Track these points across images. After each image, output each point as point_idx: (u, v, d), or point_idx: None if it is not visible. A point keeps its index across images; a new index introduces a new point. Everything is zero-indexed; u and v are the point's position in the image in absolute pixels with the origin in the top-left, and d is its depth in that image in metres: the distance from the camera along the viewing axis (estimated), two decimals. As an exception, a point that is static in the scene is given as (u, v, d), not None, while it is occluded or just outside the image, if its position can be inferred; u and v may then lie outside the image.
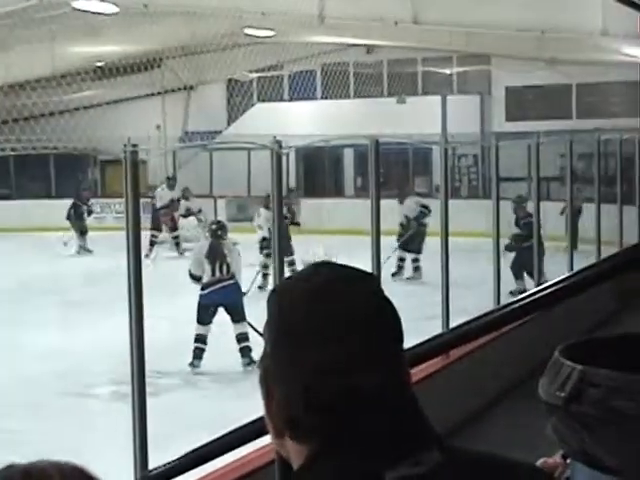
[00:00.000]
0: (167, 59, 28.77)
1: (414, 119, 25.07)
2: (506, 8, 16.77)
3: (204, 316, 11.49)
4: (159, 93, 31.19)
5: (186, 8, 17.95)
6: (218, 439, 2.90)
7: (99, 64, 26.27)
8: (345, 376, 1.34)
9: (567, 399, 1.62)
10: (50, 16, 20.26)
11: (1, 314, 13.05)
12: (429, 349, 2.80)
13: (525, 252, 13.11)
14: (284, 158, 5.87)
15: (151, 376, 5.75)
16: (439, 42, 22.75)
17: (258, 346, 9.62)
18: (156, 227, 22.77)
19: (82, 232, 23.79)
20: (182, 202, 24.08)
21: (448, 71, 29.34)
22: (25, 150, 25.72)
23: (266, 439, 1.93)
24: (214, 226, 12.72)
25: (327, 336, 1.35)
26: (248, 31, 21.45)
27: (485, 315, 2.88)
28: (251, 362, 10.86)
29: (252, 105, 31.00)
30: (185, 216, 24.05)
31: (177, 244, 23.21)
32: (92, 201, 25.66)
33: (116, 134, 22.41)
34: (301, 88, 29.95)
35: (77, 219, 24.15)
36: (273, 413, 1.40)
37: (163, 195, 23.86)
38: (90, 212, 24.84)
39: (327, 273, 1.44)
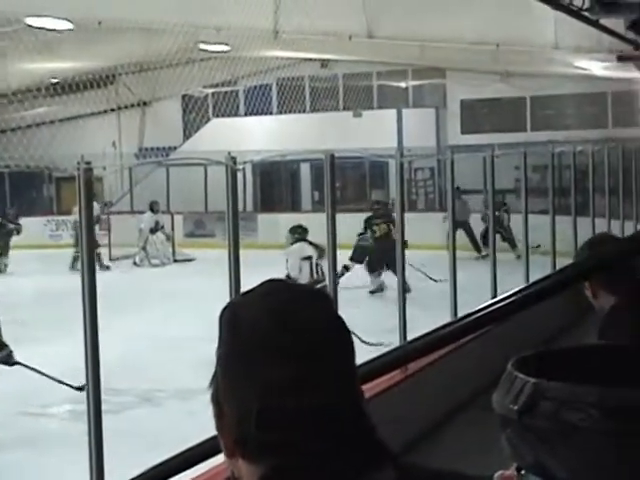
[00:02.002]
0: (122, 75, 28.66)
1: (370, 133, 25.17)
2: (460, 22, 16.88)
3: None
4: (114, 109, 31.08)
5: (140, 24, 17.88)
6: (173, 458, 2.88)
7: (53, 81, 26.11)
8: (298, 395, 1.33)
9: (520, 412, 1.62)
10: (3, 32, 20.12)
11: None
12: (385, 363, 2.80)
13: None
14: (240, 173, 5.87)
15: (107, 394, 5.69)
16: (394, 56, 22.87)
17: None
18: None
19: (2, 252, 23.41)
20: (149, 215, 24.00)
21: (403, 85, 29.50)
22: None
23: (220, 457, 1.92)
24: (299, 230, 14.07)
25: (281, 355, 1.34)
26: (203, 46, 21.43)
27: (441, 328, 2.88)
28: None
29: (208, 120, 30.96)
30: (153, 231, 23.97)
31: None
32: (22, 220, 25.10)
33: (71, 151, 22.29)
34: (257, 103, 29.97)
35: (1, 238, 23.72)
36: (225, 432, 1.39)
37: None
38: (18, 231, 24.14)
39: (281, 291, 1.43)
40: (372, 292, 17.22)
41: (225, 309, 1.45)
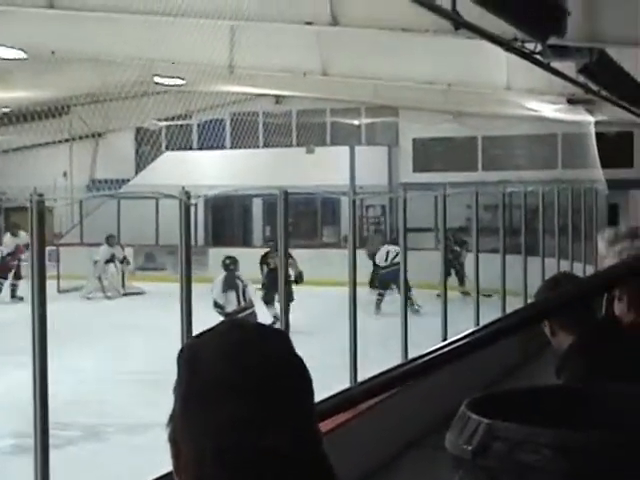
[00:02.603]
0: (75, 106, 28.53)
1: (323, 169, 25.25)
2: (413, 62, 17.01)
3: None
4: (67, 140, 30.90)
5: (95, 55, 17.83)
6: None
7: (5, 110, 25.95)
8: (256, 435, 1.33)
9: (474, 452, 1.63)
10: (-45, 61, 19.97)
11: None
12: (337, 404, 2.79)
13: None
14: (192, 208, 5.86)
15: (53, 427, 5.62)
16: (348, 93, 22.99)
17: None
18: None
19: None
20: (105, 247, 23.99)
21: (356, 122, 29.66)
22: None
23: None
24: (227, 260, 15.11)
25: (239, 394, 1.34)
26: (158, 79, 21.41)
27: (393, 369, 2.88)
28: None
29: (161, 154, 30.88)
30: (108, 262, 23.96)
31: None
32: None
33: (22, 181, 22.11)
34: (210, 137, 29.95)
35: None
36: (182, 471, 1.38)
37: (8, 242, 23.96)
38: None
39: (238, 331, 1.43)
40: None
41: (183, 349, 1.44)
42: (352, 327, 8.57)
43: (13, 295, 22.99)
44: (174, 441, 1.39)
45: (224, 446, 1.33)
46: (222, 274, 14.90)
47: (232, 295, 14.33)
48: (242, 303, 14.25)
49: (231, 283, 14.60)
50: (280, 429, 1.34)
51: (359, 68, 17.83)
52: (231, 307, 14.04)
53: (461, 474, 1.67)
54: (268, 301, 17.78)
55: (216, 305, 14.12)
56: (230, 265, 15.10)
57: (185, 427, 1.37)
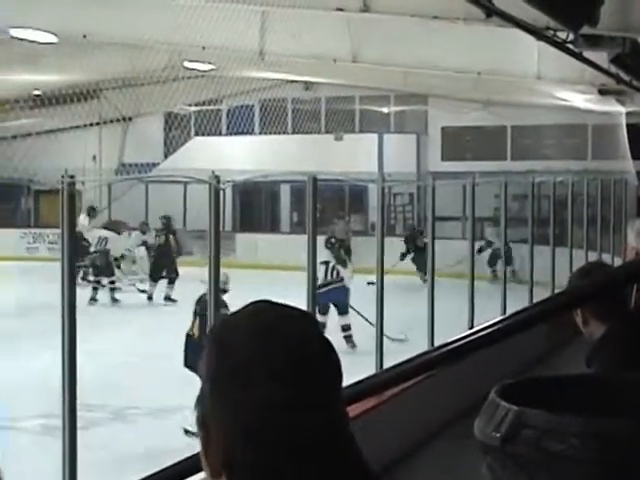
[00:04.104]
0: (105, 90, 28.64)
1: (351, 156, 25.22)
2: (444, 49, 16.96)
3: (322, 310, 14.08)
4: (96, 124, 31.01)
5: (126, 40, 17.89)
6: (149, 477, 2.85)
7: (37, 93, 26.07)
8: (286, 416, 1.33)
9: (503, 439, 1.63)
10: (-14, 43, 20.08)
11: None
12: (363, 389, 2.80)
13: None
14: (221, 193, 5.87)
15: (80, 409, 5.66)
16: (377, 81, 22.96)
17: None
18: None
19: None
20: (138, 234, 23.82)
21: (385, 110, 29.58)
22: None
23: (198, 477, 1.91)
24: (333, 239, 16.71)
25: (266, 377, 1.34)
26: (188, 64, 21.45)
27: (419, 356, 2.88)
28: (354, 345, 14.14)
29: (189, 138, 30.94)
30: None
31: None
32: None
33: (52, 164, 22.22)
34: (239, 123, 29.96)
35: None
36: (211, 454, 1.38)
37: (84, 223, 23.75)
38: None
39: (269, 312, 1.43)
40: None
41: (212, 330, 1.45)
42: (379, 312, 8.57)
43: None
44: (203, 423, 1.39)
45: (255, 427, 1.33)
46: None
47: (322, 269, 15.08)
48: (330, 277, 15.27)
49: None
50: (311, 411, 1.35)
51: (389, 55, 17.80)
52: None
53: (489, 461, 1.67)
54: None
55: None
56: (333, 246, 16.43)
57: (215, 409, 1.37)
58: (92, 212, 24.42)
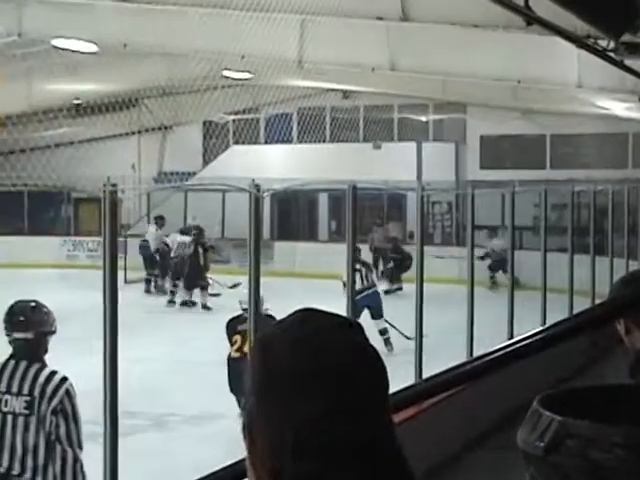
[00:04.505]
0: (145, 99, 28.84)
1: (389, 165, 25.20)
2: (483, 57, 16.91)
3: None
4: (135, 133, 31.22)
5: (165, 49, 18.00)
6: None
7: (77, 102, 26.31)
8: (333, 426, 1.33)
9: (546, 449, 1.62)
10: (28, 52, 20.28)
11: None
12: (402, 399, 2.79)
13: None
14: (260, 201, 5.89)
15: (122, 416, 5.69)
16: (416, 89, 22.92)
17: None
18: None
19: None
20: (178, 236, 23.85)
21: (424, 118, 29.53)
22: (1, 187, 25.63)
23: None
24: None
25: (314, 386, 1.34)
26: (226, 73, 21.54)
27: (460, 366, 2.87)
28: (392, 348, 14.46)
29: (228, 147, 31.05)
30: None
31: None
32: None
33: (92, 172, 22.39)
34: (277, 131, 30.05)
35: None
36: (257, 463, 1.38)
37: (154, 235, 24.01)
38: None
39: (313, 321, 1.42)
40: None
41: (256, 341, 1.45)
42: (418, 322, 8.55)
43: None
44: (249, 432, 1.39)
45: (302, 437, 1.32)
46: None
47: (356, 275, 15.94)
48: (365, 283, 15.69)
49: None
50: (357, 420, 1.34)
51: (428, 64, 17.76)
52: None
53: (532, 471, 1.66)
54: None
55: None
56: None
57: (261, 419, 1.37)
58: (160, 221, 24.57)
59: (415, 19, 11.91)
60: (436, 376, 2.90)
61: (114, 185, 4.56)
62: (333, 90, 26.16)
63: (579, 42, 10.26)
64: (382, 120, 29.41)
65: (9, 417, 5.26)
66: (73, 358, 11.77)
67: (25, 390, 5.27)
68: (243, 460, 1.43)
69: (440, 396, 3.66)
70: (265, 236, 27.66)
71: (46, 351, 5.56)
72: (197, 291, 21.19)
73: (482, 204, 13.37)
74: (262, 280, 5.67)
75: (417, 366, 8.10)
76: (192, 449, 8.94)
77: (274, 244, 26.98)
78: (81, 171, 24.99)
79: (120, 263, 4.95)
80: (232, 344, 9.54)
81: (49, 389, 5.23)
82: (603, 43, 10.64)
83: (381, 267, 24.83)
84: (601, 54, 10.79)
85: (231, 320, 9.70)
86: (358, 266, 15.92)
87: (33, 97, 23.47)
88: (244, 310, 9.42)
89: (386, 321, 15.08)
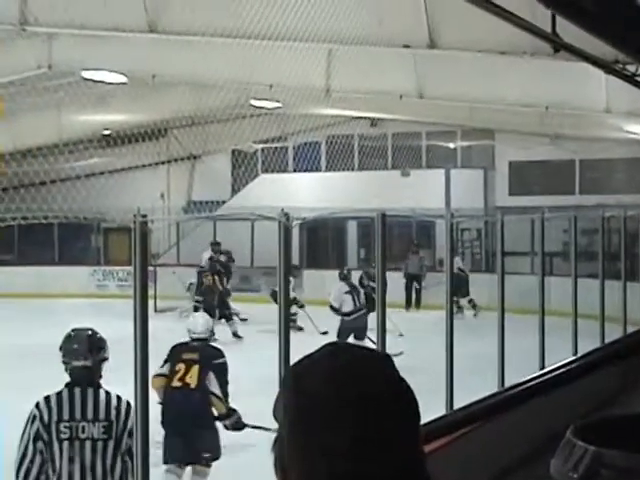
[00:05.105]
0: (173, 129, 29.04)
1: (418, 192, 25.20)
2: (510, 84, 16.91)
3: (343, 337, 15.76)
4: (164, 162, 31.42)
5: (193, 79, 18.12)
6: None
7: (106, 132, 26.51)
8: (365, 456, 1.32)
9: (580, 480, 1.61)
10: (58, 84, 20.48)
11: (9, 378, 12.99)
12: (434, 430, 2.78)
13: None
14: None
15: (152, 445, 5.70)
16: (443, 116, 22.94)
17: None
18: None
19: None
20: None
21: (452, 145, 29.53)
22: (30, 219, 25.79)
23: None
24: (345, 270, 18.43)
25: (347, 416, 1.33)
26: (254, 102, 21.65)
27: (491, 396, 2.86)
28: None
29: (256, 176, 31.15)
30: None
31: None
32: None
33: (121, 202, 22.52)
34: (305, 159, 30.15)
35: None
36: None
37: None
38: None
39: (344, 354, 1.43)
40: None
41: (287, 373, 1.45)
42: (448, 353, 8.52)
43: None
44: (281, 466, 1.39)
45: (335, 467, 1.32)
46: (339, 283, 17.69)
47: (348, 298, 16.88)
48: (357, 305, 16.68)
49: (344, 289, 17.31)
50: (390, 451, 1.34)
51: (455, 91, 17.78)
52: (347, 308, 16.69)
53: (567, 502, 1.64)
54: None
55: (332, 308, 16.96)
56: (347, 275, 18.33)
57: (293, 454, 1.36)
58: (216, 247, 24.52)
59: (442, 46, 11.92)
60: (467, 407, 2.89)
61: (144, 216, 4.59)
62: (361, 118, 26.22)
63: (607, 68, 10.25)
64: (410, 147, 29.44)
65: (87, 443, 5.35)
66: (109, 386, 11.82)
67: (101, 416, 5.37)
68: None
69: (471, 426, 3.64)
70: (294, 263, 27.69)
71: (101, 377, 5.61)
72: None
73: (511, 230, 13.33)
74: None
75: (448, 396, 8.06)
76: (226, 478, 8.92)
77: (303, 272, 26.98)
78: (110, 202, 25.14)
79: (150, 292, 4.98)
80: (174, 373, 8.78)
81: (122, 413, 5.34)
82: (632, 68, 10.62)
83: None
84: (629, 79, 10.77)
85: (175, 347, 9.13)
86: (349, 289, 17.14)
87: (62, 128, 23.68)
88: (192, 339, 9.17)
89: (370, 340, 15.12)
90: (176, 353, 8.73)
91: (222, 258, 23.45)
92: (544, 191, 26.80)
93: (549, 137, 25.90)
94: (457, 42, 11.97)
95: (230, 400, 8.74)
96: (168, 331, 19.88)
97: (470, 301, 23.05)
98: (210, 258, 23.24)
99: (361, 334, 16.03)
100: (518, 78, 16.43)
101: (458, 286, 22.40)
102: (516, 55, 11.95)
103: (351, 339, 15.62)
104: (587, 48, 9.25)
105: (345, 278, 17.93)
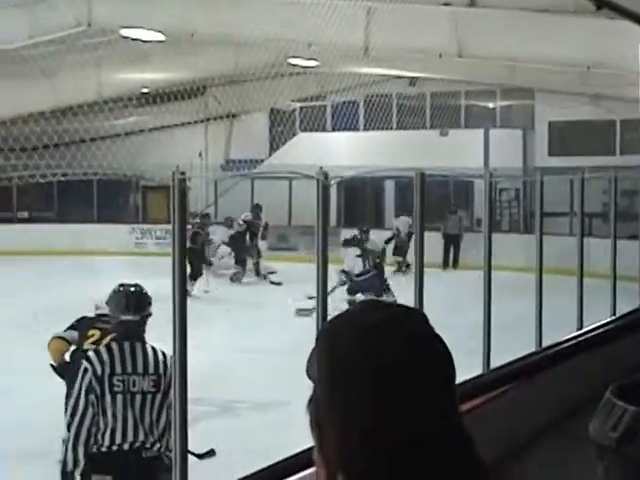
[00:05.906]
0: (211, 87, 29.02)
1: (456, 152, 25.04)
2: (551, 43, 16.72)
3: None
4: (203, 121, 31.42)
5: (232, 37, 18.09)
6: (258, 472, 2.86)
7: (144, 91, 26.53)
8: (402, 416, 1.32)
9: (619, 440, 1.60)
10: (98, 42, 20.51)
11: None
12: (470, 389, 2.78)
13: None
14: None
15: (190, 402, 5.75)
16: (483, 75, 22.78)
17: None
18: None
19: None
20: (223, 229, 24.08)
21: (491, 105, 29.32)
22: (70, 176, 25.91)
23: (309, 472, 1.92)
24: (359, 234, 19.13)
25: (381, 375, 1.32)
26: (292, 61, 21.59)
27: (529, 356, 2.86)
28: None
29: (294, 134, 31.09)
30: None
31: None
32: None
33: (160, 160, 22.59)
34: (344, 118, 30.03)
35: None
36: (326, 453, 1.37)
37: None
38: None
39: (377, 311, 1.41)
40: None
41: (321, 333, 1.43)
42: (486, 312, 8.49)
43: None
44: (317, 424, 1.38)
45: (370, 432, 1.32)
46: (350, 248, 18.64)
47: (359, 261, 17.95)
48: (366, 267, 17.69)
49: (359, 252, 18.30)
50: (426, 409, 1.33)
51: (495, 49, 17.63)
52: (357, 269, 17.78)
53: (605, 462, 1.64)
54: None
55: (343, 272, 17.73)
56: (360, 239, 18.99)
57: (329, 411, 1.36)
58: (255, 209, 24.73)
59: (483, 4, 11.83)
60: (504, 366, 2.89)
61: (183, 173, 4.59)
62: (399, 77, 26.07)
63: (650, 26, 10.08)
64: (449, 107, 29.26)
65: (138, 396, 5.48)
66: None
67: (151, 370, 5.52)
68: (310, 449, 1.43)
69: (508, 385, 3.65)
70: (332, 224, 27.65)
71: (144, 332, 5.70)
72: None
73: (550, 191, 13.23)
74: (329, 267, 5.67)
75: (485, 355, 8.04)
76: (260, 435, 9.00)
77: (341, 231, 26.98)
78: (149, 159, 25.22)
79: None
80: (86, 338, 7.91)
81: (169, 366, 5.44)
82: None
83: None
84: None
85: (82, 318, 8.34)
86: (360, 253, 18.05)
87: (101, 87, 23.73)
88: (97, 315, 8.20)
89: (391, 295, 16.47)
90: (86, 323, 7.94)
91: (249, 217, 23.65)
92: (584, 152, 26.56)
93: (590, 97, 25.64)
94: (498, 0, 11.87)
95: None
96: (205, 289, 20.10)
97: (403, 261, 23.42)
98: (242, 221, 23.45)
99: (378, 292, 17.01)
100: (559, 37, 16.25)
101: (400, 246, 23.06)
102: (558, 13, 11.82)
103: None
104: (630, 5, 9.11)
105: (358, 243, 18.68)
